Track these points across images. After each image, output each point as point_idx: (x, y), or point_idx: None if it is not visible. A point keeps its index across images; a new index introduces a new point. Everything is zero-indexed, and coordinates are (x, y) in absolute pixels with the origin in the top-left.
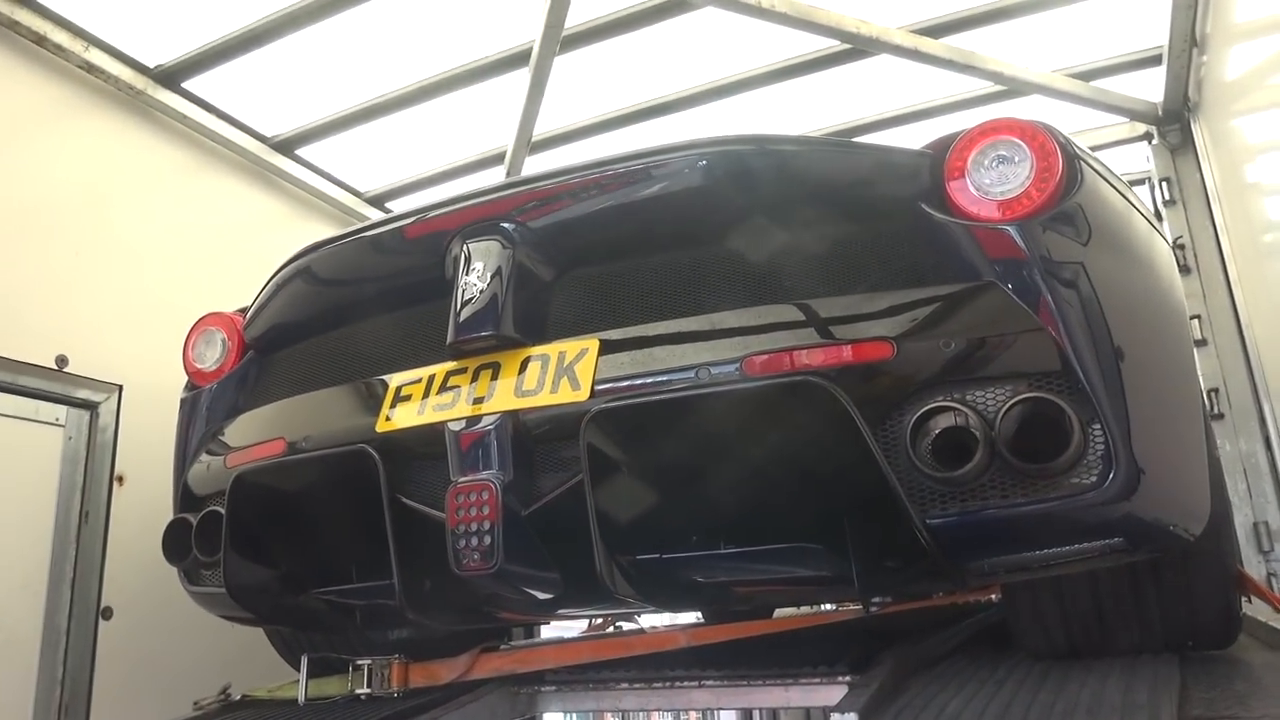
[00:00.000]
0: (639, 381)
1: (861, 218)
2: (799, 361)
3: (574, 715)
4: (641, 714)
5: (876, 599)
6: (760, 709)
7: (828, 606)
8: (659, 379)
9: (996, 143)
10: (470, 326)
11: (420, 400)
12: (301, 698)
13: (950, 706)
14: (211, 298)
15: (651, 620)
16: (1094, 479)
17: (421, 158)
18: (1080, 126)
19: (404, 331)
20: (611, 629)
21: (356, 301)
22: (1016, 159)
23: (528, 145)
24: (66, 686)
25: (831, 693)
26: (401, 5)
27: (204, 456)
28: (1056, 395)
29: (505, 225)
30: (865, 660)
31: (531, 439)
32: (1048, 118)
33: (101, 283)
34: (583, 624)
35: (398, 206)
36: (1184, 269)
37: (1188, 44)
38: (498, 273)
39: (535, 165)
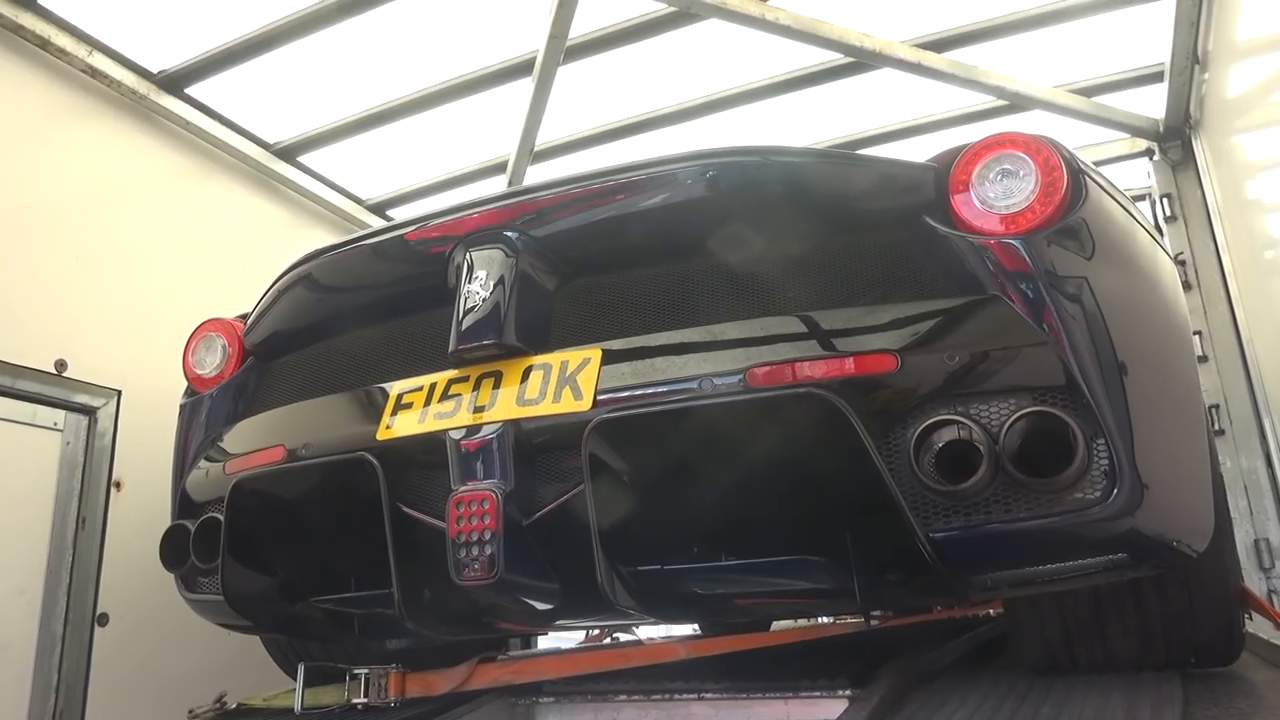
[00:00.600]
0: (641, 392)
1: (865, 230)
2: (802, 373)
3: None
4: None
5: (876, 612)
6: None
7: (823, 619)
8: (661, 390)
9: (1001, 156)
10: (473, 335)
11: (421, 408)
12: (298, 707)
13: (955, 718)
14: (211, 304)
15: (648, 632)
16: (1098, 494)
17: (423, 166)
18: (1082, 142)
19: (405, 339)
20: (609, 640)
21: (358, 309)
22: (1021, 173)
23: (530, 155)
24: (61, 693)
25: (831, 707)
26: (405, 14)
27: (203, 463)
28: (1061, 410)
29: (508, 234)
30: (865, 674)
31: (533, 448)
32: (1050, 133)
33: (101, 287)
34: (579, 636)
35: (399, 214)
36: (1185, 285)
37: (1189, 61)
38: (500, 281)
39: (537, 175)
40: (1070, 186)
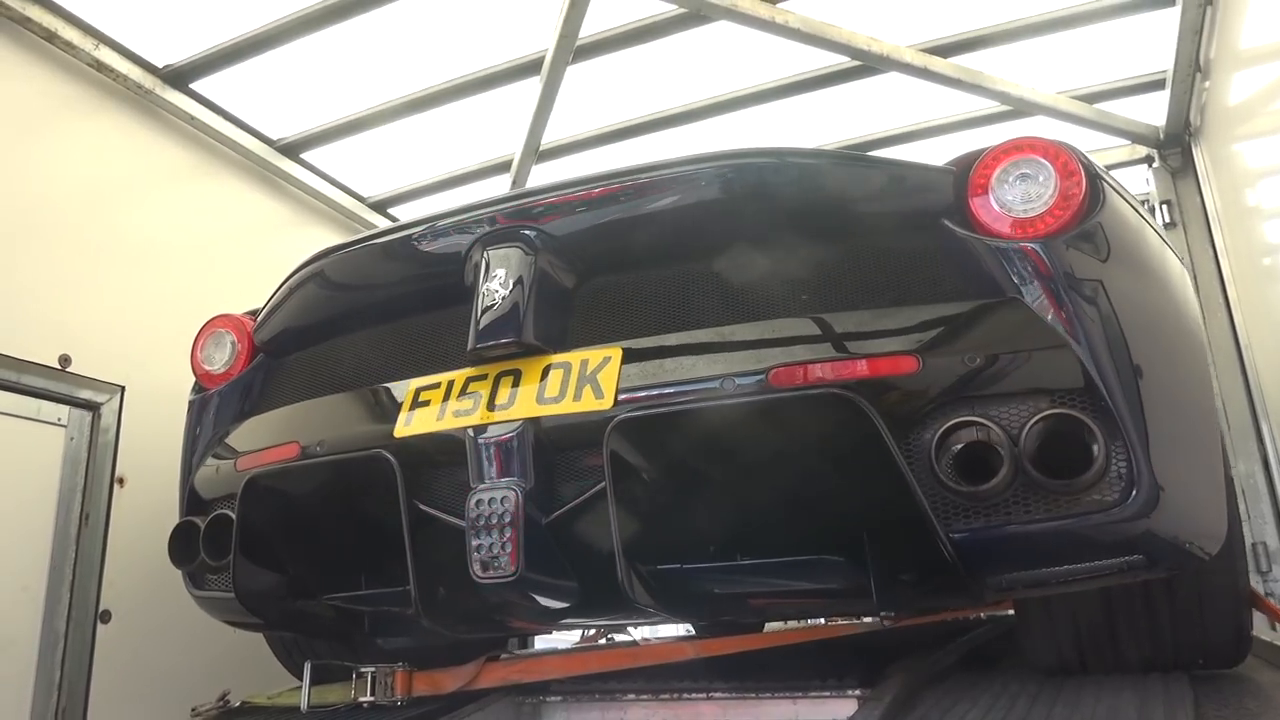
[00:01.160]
0: (663, 391)
1: (884, 232)
2: (825, 374)
3: None
4: None
5: (888, 613)
6: None
7: (816, 621)
8: (683, 389)
9: (1019, 161)
10: (491, 333)
11: (439, 406)
12: (304, 705)
13: (969, 719)
14: (213, 299)
15: (642, 632)
16: (1116, 496)
17: (425, 164)
18: (1083, 148)
19: (420, 337)
20: (603, 640)
21: (372, 306)
22: (1041, 178)
23: (534, 154)
24: (64, 690)
25: (840, 707)
26: (412, 13)
27: (212, 459)
28: (1080, 412)
29: (527, 232)
30: (873, 674)
31: (553, 447)
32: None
33: (105, 282)
34: (575, 636)
35: (400, 212)
36: None
37: (1192, 69)
38: (519, 280)
39: (541, 175)
40: (1089, 192)
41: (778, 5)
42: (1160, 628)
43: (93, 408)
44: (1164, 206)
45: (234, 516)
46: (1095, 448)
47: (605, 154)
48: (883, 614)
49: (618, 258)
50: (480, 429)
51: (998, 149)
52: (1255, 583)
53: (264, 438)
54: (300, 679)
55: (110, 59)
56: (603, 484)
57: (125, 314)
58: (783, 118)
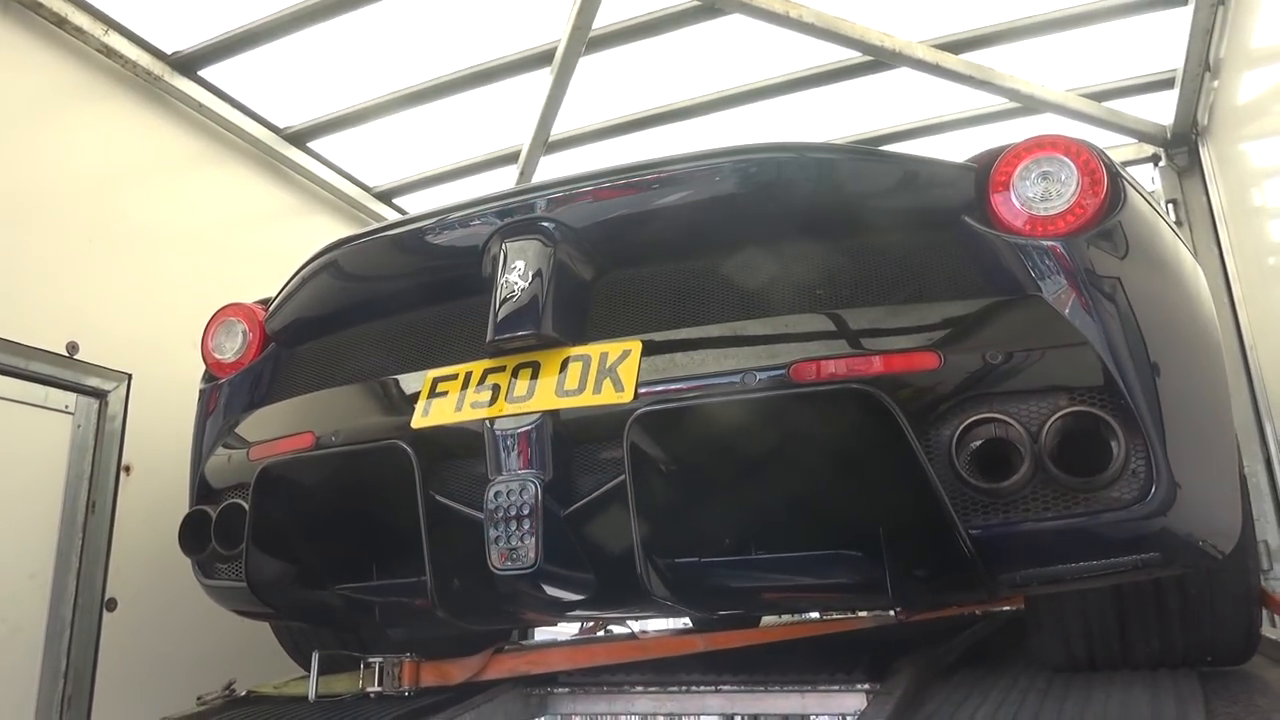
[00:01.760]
0: (683, 385)
1: (905, 228)
2: (847, 369)
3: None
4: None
5: (902, 608)
6: (775, 716)
7: (812, 615)
8: (703, 383)
9: (1041, 159)
10: (510, 325)
11: (457, 396)
12: (312, 694)
13: (979, 714)
14: (219, 288)
15: (640, 626)
16: (1135, 493)
17: (432, 155)
18: None
19: (437, 329)
20: (601, 633)
21: (388, 297)
22: (1063, 176)
23: (544, 146)
24: (70, 678)
25: (848, 700)
26: (422, 2)
27: (223, 448)
28: (1100, 409)
29: (546, 224)
30: (881, 668)
31: (571, 439)
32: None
33: (113, 269)
34: (573, 628)
35: (406, 203)
36: None
37: (1201, 68)
38: (538, 272)
39: (550, 167)
40: (1110, 190)
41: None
42: (1170, 625)
43: (100, 395)
44: (1170, 206)
45: (247, 506)
46: (1115, 445)
47: (615, 146)
48: (896, 609)
49: (637, 251)
50: (499, 420)
51: (1019, 146)
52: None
53: (277, 427)
54: (306, 669)
55: (119, 45)
56: (621, 477)
57: (133, 302)
58: (793, 112)
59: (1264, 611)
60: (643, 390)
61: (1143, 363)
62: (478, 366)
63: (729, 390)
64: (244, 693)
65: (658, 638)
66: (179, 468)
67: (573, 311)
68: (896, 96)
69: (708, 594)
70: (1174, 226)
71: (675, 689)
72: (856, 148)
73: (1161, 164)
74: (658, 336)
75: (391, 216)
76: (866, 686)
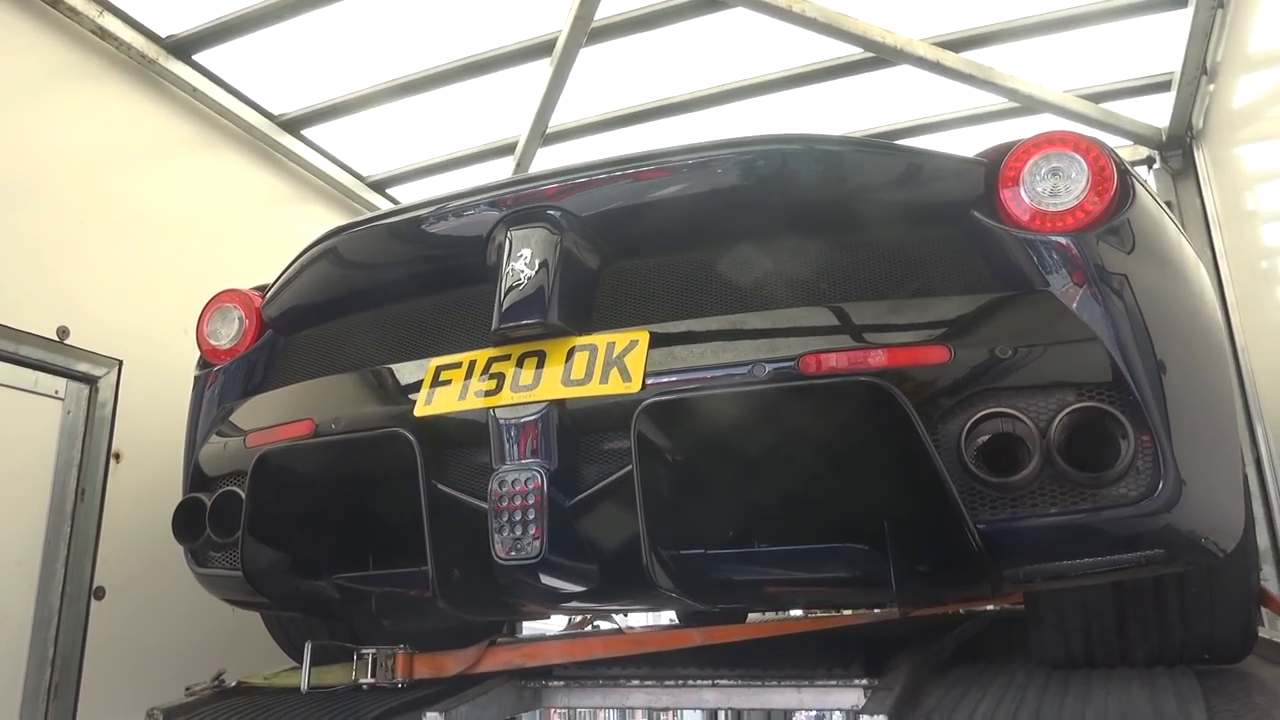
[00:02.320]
0: (692, 376)
1: (914, 221)
2: (857, 361)
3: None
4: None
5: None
6: (771, 710)
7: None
8: (712, 374)
9: (1050, 155)
10: (516, 314)
11: (461, 385)
12: (304, 685)
13: (980, 710)
14: (211, 274)
15: (629, 621)
16: (1142, 490)
17: (427, 145)
18: None
19: (439, 317)
20: (589, 629)
21: (389, 285)
22: (1073, 172)
23: (541, 137)
24: (57, 667)
25: (845, 695)
26: None
27: (218, 436)
28: (1109, 405)
29: (553, 213)
30: (878, 663)
31: (577, 429)
32: None
33: (105, 254)
34: (562, 621)
35: (400, 193)
36: None
37: (1198, 71)
38: (544, 260)
39: (547, 158)
40: (1119, 187)
41: None
42: (1170, 622)
43: (90, 381)
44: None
45: (243, 494)
46: (1123, 441)
47: (613, 139)
48: (898, 605)
49: (644, 241)
50: (504, 409)
51: (1029, 142)
52: None
53: (274, 415)
54: (297, 660)
55: (113, 26)
56: (627, 468)
57: (124, 287)
58: (794, 108)
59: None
60: (650, 381)
61: (1150, 359)
62: (482, 355)
63: (738, 381)
64: (234, 683)
65: (654, 632)
66: (170, 455)
67: (579, 301)
68: (897, 94)
69: (712, 586)
70: (1179, 226)
71: (671, 683)
72: (865, 140)
73: (1156, 167)
74: (665, 327)
75: (385, 206)
76: (864, 682)
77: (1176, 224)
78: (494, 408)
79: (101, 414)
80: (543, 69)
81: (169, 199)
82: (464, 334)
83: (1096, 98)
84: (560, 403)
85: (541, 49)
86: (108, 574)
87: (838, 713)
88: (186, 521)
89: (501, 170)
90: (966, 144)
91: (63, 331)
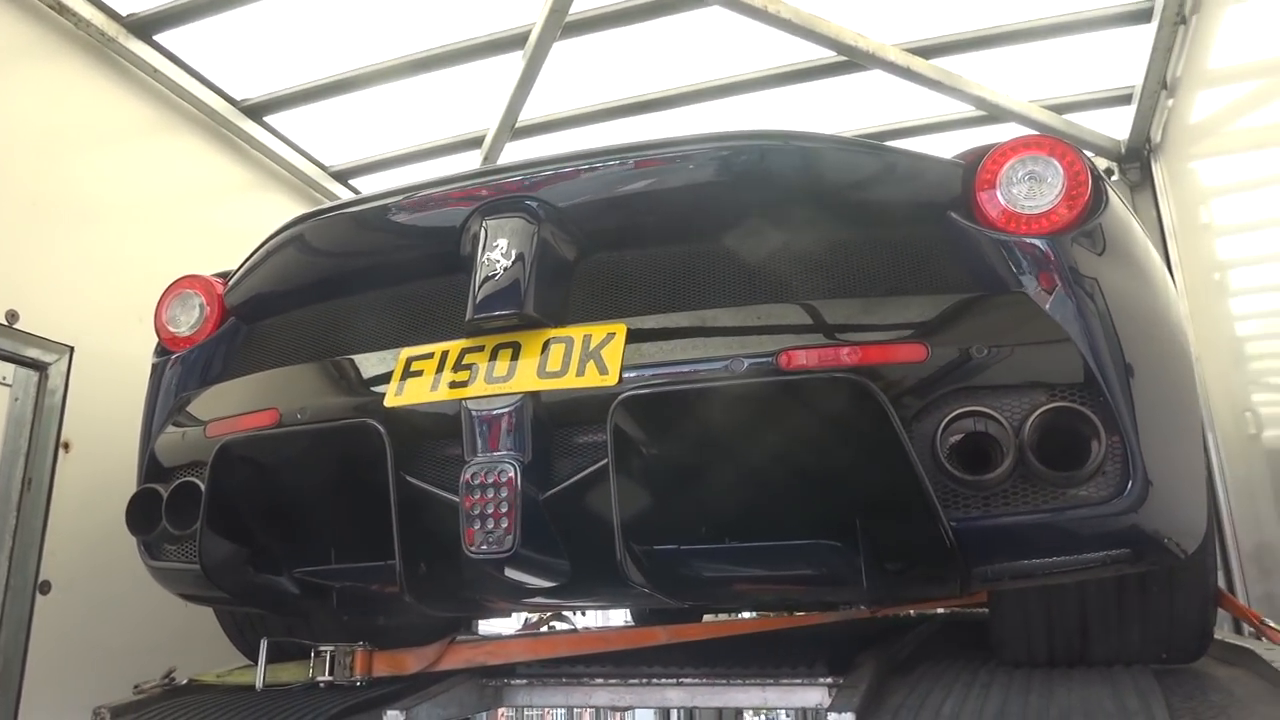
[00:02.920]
0: (669, 369)
1: (892, 221)
2: (835, 357)
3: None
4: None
5: (874, 602)
6: (723, 709)
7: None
8: (689, 368)
9: (1027, 158)
10: (491, 304)
11: (432, 376)
12: (259, 684)
13: (946, 708)
14: (168, 261)
15: (585, 623)
16: (1111, 490)
17: (392, 136)
18: None
19: (411, 307)
20: (545, 629)
21: (358, 273)
22: (1048, 176)
23: (510, 131)
24: None
25: (810, 694)
26: None
27: (176, 425)
28: (1081, 405)
29: (530, 202)
30: (843, 662)
31: (551, 422)
32: None
33: (58, 238)
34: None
35: (363, 184)
36: None
37: (1159, 85)
38: (521, 251)
39: (516, 152)
40: (1094, 192)
41: None
42: (1130, 623)
43: (40, 368)
44: None
45: (202, 485)
46: (1094, 442)
47: (584, 135)
48: (868, 603)
49: (622, 233)
50: (477, 401)
51: (1006, 145)
52: None
53: (236, 404)
54: (251, 657)
55: (72, 2)
56: (602, 462)
57: (78, 272)
58: (766, 109)
59: (1228, 612)
60: (627, 374)
61: (1120, 361)
62: (454, 346)
63: (715, 376)
64: (185, 681)
65: (619, 630)
66: (122, 446)
67: (555, 292)
68: (868, 98)
69: (684, 583)
70: (1144, 229)
71: (634, 682)
72: (844, 138)
73: (1115, 178)
74: (643, 320)
75: (347, 197)
76: (829, 680)
77: (1144, 230)
78: (466, 399)
79: (51, 402)
80: (515, 62)
81: (126, 182)
82: (436, 325)
83: (1060, 108)
84: (535, 395)
85: (514, 41)
86: (54, 568)
87: (801, 712)
88: (141, 513)
89: (468, 164)
90: (934, 150)
91: (11, 316)
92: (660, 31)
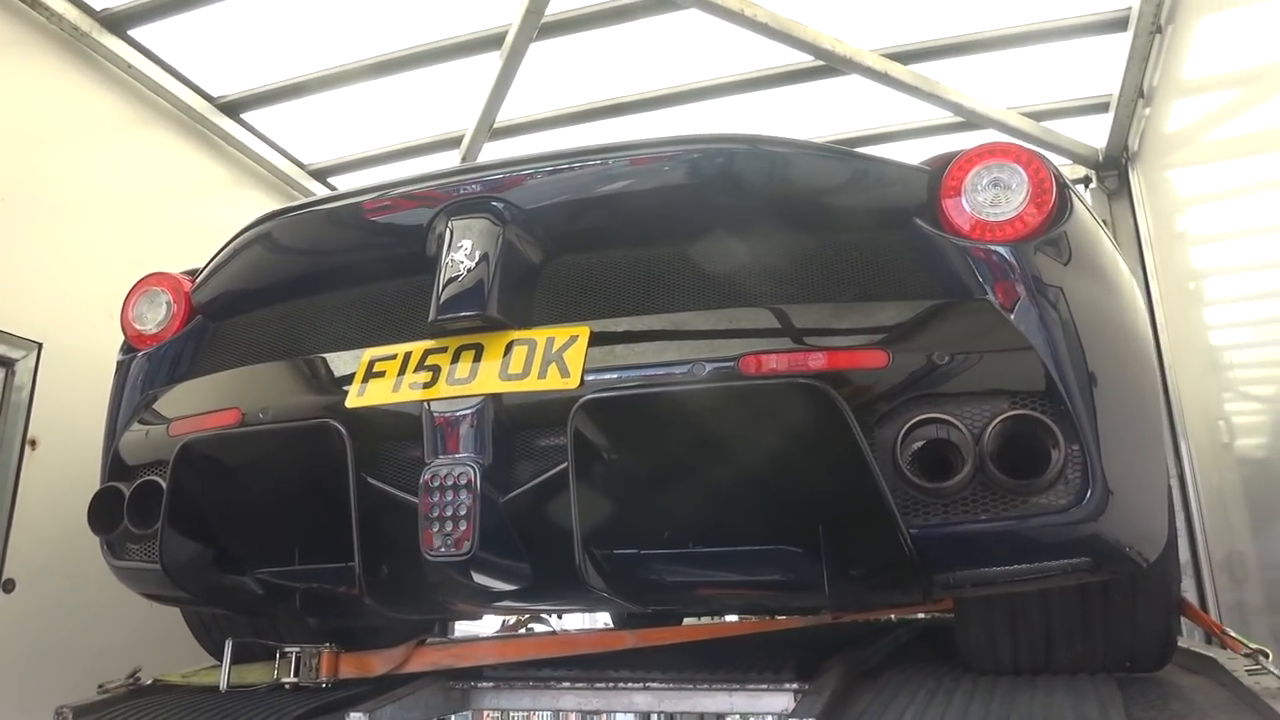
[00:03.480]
0: (631, 373)
1: (857, 226)
2: (796, 363)
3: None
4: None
5: (836, 608)
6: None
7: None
8: (651, 372)
9: (992, 165)
10: (454, 305)
11: (395, 378)
12: (223, 684)
13: (908, 714)
14: (140, 258)
15: (564, 625)
16: (1070, 498)
17: (371, 134)
18: None
19: (375, 307)
20: (523, 631)
21: (324, 273)
22: (1013, 183)
23: (488, 131)
24: None
25: (776, 699)
26: None
27: (140, 423)
28: (1042, 414)
29: (495, 204)
30: (809, 668)
31: (513, 424)
32: None
33: (27, 232)
34: (496, 623)
35: (341, 182)
36: None
37: (1135, 94)
38: (485, 252)
39: (494, 152)
40: (1058, 200)
41: None
42: (1094, 631)
43: (6, 364)
44: None
45: (164, 484)
46: (1054, 450)
47: (561, 136)
48: (831, 609)
49: (587, 236)
50: (438, 403)
51: (972, 152)
52: None
53: (200, 402)
54: (218, 657)
55: None
56: (562, 465)
57: (48, 267)
58: (743, 113)
59: (1191, 622)
60: (589, 377)
61: (1082, 370)
62: (418, 347)
63: (677, 380)
64: (149, 681)
65: (586, 634)
66: (90, 443)
67: (519, 294)
68: (846, 103)
69: (644, 587)
70: (1114, 241)
71: (602, 685)
72: (811, 143)
73: (1092, 186)
74: (606, 324)
75: (315, 195)
76: (795, 686)
77: (1112, 240)
78: (428, 401)
79: (17, 398)
80: (492, 62)
81: (98, 178)
82: (400, 326)
83: (1038, 116)
84: (497, 397)
85: (491, 41)
86: (18, 565)
87: (768, 717)
88: (103, 511)
89: (448, 163)
90: (912, 156)
91: None
92: (637, 34)
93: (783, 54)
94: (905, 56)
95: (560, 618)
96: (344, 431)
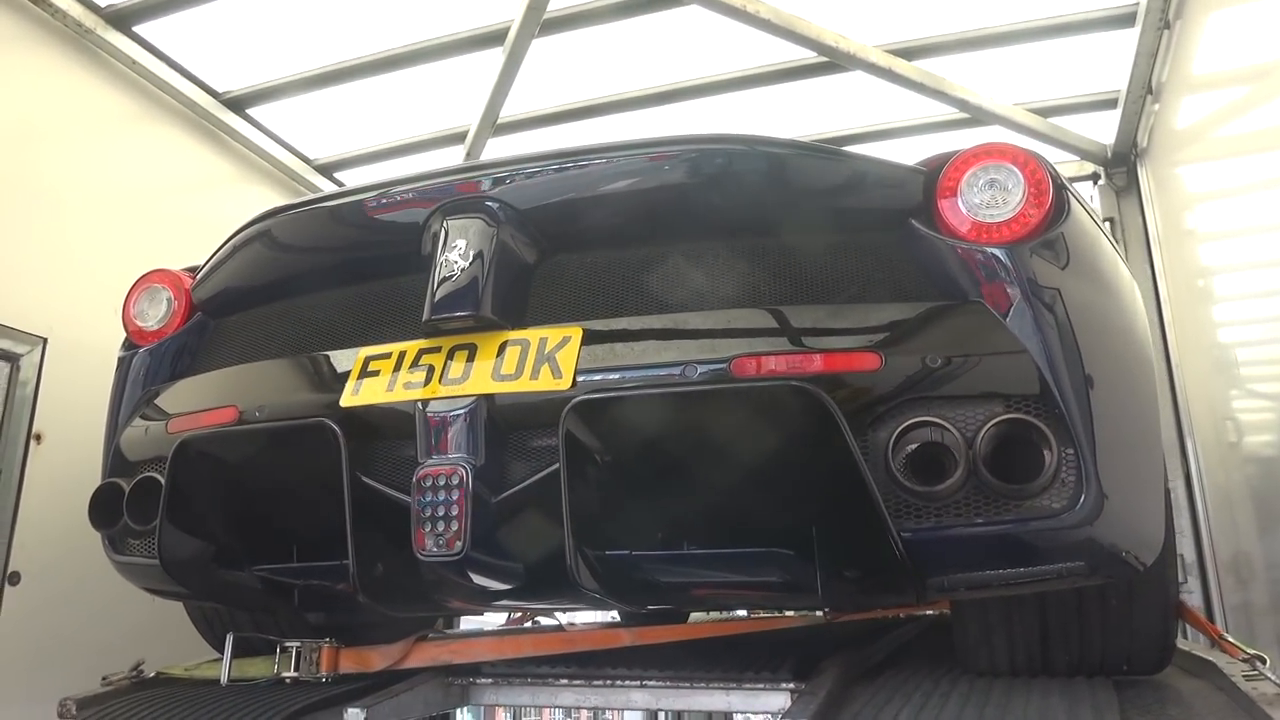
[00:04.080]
0: (623, 374)
1: (852, 227)
2: (788, 365)
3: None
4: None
5: (830, 609)
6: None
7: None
8: (643, 373)
9: (989, 166)
10: (448, 305)
11: (389, 377)
12: (224, 678)
13: (902, 716)
14: (146, 253)
15: (567, 619)
16: (1064, 502)
17: (376, 130)
18: None
19: (371, 306)
20: (529, 624)
21: (321, 271)
22: (1010, 184)
23: (491, 127)
24: None
25: (773, 699)
26: None
27: (140, 420)
28: (1035, 418)
29: (490, 204)
30: (806, 668)
31: (505, 425)
32: None
33: (34, 227)
34: (501, 617)
35: (347, 177)
36: None
37: (1144, 90)
38: (479, 252)
39: (498, 148)
40: (1055, 201)
41: None
42: (1091, 634)
43: (11, 359)
44: (1107, 224)
45: (162, 480)
46: (1047, 454)
47: (565, 132)
48: (824, 610)
49: (581, 236)
50: (432, 403)
51: (968, 153)
52: None
53: (199, 400)
54: (220, 651)
55: None
56: (554, 466)
57: (54, 263)
58: (746, 109)
59: (1179, 623)
60: (581, 378)
61: (1078, 374)
62: (412, 347)
63: (669, 382)
64: (153, 674)
65: (585, 631)
66: (95, 438)
67: (513, 294)
68: (850, 100)
69: (637, 588)
70: (1114, 242)
71: (600, 683)
72: (807, 144)
73: (1100, 183)
74: (599, 324)
75: (315, 193)
76: (791, 686)
77: (1112, 241)
78: (421, 400)
79: (22, 393)
80: (495, 58)
81: (104, 174)
82: (396, 325)
83: (1045, 112)
84: (489, 397)
85: (494, 37)
86: (24, 559)
87: (765, 716)
88: (103, 507)
89: (452, 158)
90: (917, 153)
91: None
92: (639, 30)
93: (786, 50)
94: (910, 52)
95: (565, 612)
96: (338, 430)
